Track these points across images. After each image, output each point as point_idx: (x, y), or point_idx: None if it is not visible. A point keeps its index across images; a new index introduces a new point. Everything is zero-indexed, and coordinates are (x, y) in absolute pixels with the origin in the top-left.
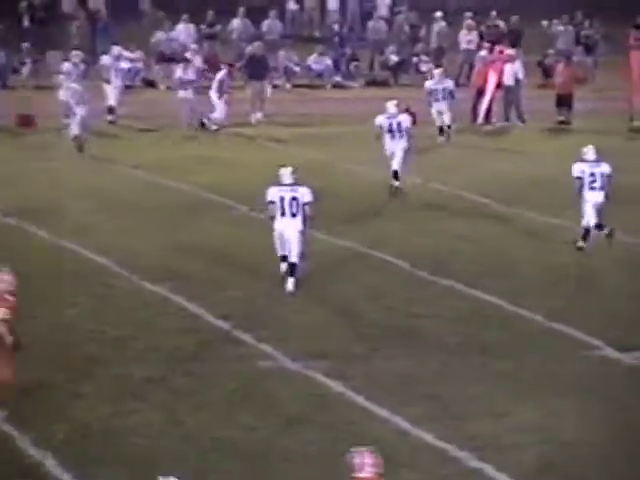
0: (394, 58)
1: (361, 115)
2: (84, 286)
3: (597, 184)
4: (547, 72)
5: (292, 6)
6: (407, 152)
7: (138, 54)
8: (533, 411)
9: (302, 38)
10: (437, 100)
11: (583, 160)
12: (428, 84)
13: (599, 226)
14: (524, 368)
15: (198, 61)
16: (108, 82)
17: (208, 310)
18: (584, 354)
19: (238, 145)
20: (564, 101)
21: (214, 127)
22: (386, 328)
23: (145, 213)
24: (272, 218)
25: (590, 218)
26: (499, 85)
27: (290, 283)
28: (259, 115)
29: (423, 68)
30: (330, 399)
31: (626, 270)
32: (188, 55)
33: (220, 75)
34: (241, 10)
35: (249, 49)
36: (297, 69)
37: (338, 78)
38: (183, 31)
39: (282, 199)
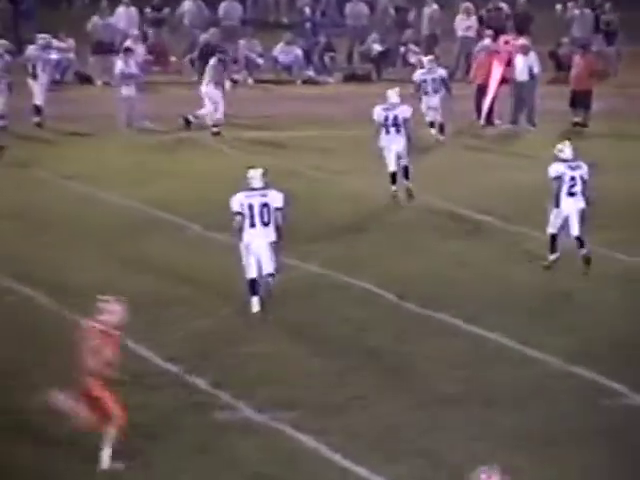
0: (377, 48)
1: (338, 116)
2: (7, 322)
3: (577, 189)
4: (561, 64)
5: None
6: (408, 149)
7: (69, 43)
8: (546, 471)
9: (266, 24)
10: (427, 93)
11: (560, 160)
12: (417, 74)
13: (580, 240)
14: (533, 420)
15: (141, 51)
16: (34, 77)
17: (154, 350)
18: (605, 403)
19: (190, 151)
20: (581, 99)
21: (215, 129)
22: (368, 371)
23: (79, 234)
24: (240, 231)
25: (562, 227)
26: (504, 80)
27: (255, 302)
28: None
29: (412, 59)
30: (301, 456)
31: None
32: (129, 44)
33: (212, 62)
34: None
35: (203, 37)
36: (260, 61)
37: (310, 72)
38: (124, 16)
39: (251, 207)
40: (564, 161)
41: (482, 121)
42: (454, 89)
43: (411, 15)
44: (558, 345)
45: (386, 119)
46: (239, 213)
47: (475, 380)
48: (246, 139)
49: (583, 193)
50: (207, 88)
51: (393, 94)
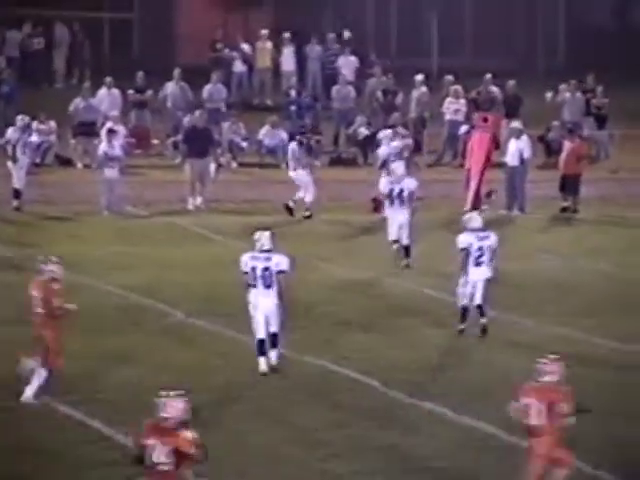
0: (364, 131)
1: (322, 201)
2: None
3: (484, 259)
4: (550, 149)
5: (239, 67)
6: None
7: (50, 125)
8: None
9: (251, 107)
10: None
11: (469, 229)
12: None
13: (480, 308)
14: None
15: (122, 132)
16: (14, 160)
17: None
18: None
19: (172, 238)
20: (570, 184)
21: (307, 213)
22: (353, 464)
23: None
24: (247, 289)
25: (472, 297)
26: (488, 162)
27: (273, 356)
28: (198, 201)
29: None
30: None
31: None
32: (111, 125)
33: (292, 146)
34: (176, 72)
35: (187, 119)
36: (245, 144)
37: None
38: (106, 98)
39: (254, 269)
40: (473, 231)
41: (467, 206)
42: (441, 173)
43: (399, 98)
44: None
45: (391, 192)
46: (246, 273)
47: (463, 470)
48: (230, 224)
49: (489, 264)
50: (294, 173)
51: (399, 167)
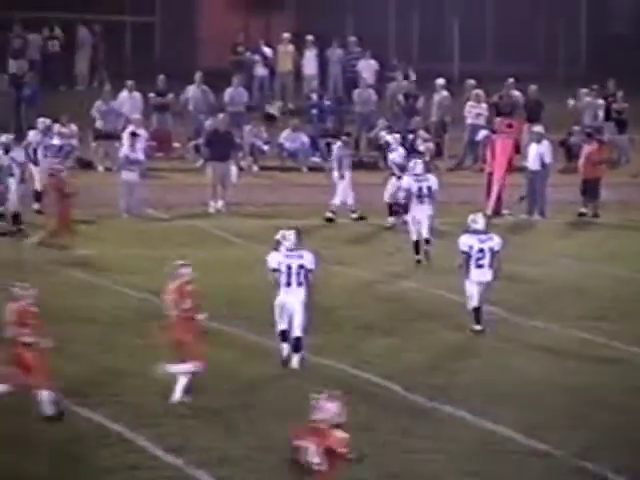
0: (385, 135)
1: (342, 205)
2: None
3: (485, 261)
4: (571, 153)
5: (260, 71)
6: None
7: (72, 129)
8: None
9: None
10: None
11: (472, 231)
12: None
13: (477, 312)
14: None
15: (144, 135)
16: (35, 163)
17: (155, 442)
18: None
19: (193, 240)
20: (590, 188)
21: (354, 215)
22: (373, 468)
23: (78, 324)
24: (277, 288)
25: (476, 299)
26: (510, 167)
27: (295, 360)
28: (220, 204)
29: (421, 147)
30: None
31: None
32: (133, 128)
33: (336, 150)
34: (198, 75)
35: (209, 123)
36: (266, 148)
37: (316, 159)
38: (127, 101)
39: (289, 267)
40: (475, 232)
41: (489, 211)
42: (462, 177)
43: (420, 102)
44: (571, 440)
45: (420, 189)
46: (276, 270)
47: (482, 474)
48: (251, 227)
49: (491, 265)
50: (337, 175)
51: (419, 164)
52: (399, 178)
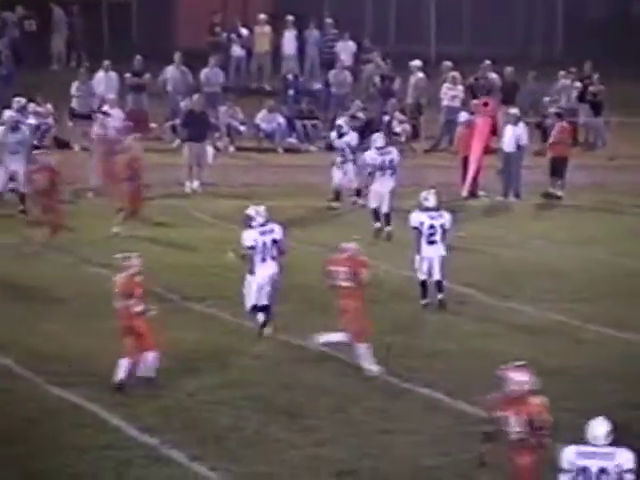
0: (360, 116)
1: (320, 186)
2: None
3: (436, 237)
4: (547, 135)
5: (237, 52)
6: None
7: (47, 108)
8: None
9: (249, 91)
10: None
11: (423, 208)
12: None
13: (440, 283)
14: None
15: (118, 115)
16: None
17: (130, 421)
18: None
19: (169, 221)
20: (557, 167)
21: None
22: (347, 448)
23: (57, 303)
24: (250, 268)
25: (430, 273)
26: (487, 150)
27: (261, 316)
28: (195, 184)
29: (397, 129)
30: None
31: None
32: (106, 108)
33: (351, 136)
34: (177, 55)
35: (183, 103)
36: (242, 128)
37: (292, 140)
38: (103, 81)
39: (265, 244)
40: (427, 210)
41: (464, 193)
42: (438, 159)
43: (396, 84)
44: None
45: (383, 162)
46: (252, 247)
47: (456, 454)
48: (227, 207)
49: (442, 241)
50: (343, 169)
51: (380, 137)
52: (353, 162)
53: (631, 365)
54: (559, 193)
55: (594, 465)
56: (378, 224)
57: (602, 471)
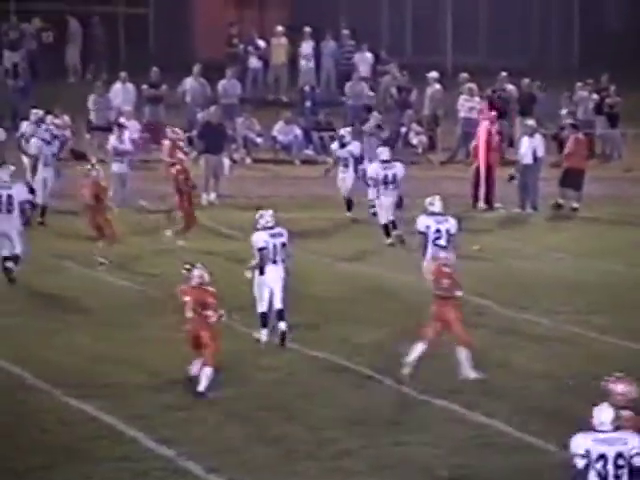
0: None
1: (335, 198)
2: None
3: (442, 241)
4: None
5: (254, 63)
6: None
7: (65, 120)
8: None
9: (266, 102)
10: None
11: (429, 213)
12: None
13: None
14: None
15: (135, 127)
16: (26, 153)
17: (147, 433)
18: None
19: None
20: (571, 179)
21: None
22: (365, 460)
23: (75, 315)
24: (260, 268)
25: None
26: (497, 153)
27: (283, 325)
28: (212, 196)
29: (414, 140)
30: None
31: None
32: (122, 120)
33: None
34: (196, 68)
35: (200, 115)
36: (259, 140)
37: (309, 152)
38: (120, 92)
39: (275, 246)
40: (432, 214)
41: (480, 204)
42: (454, 171)
43: (413, 95)
44: (561, 433)
45: (385, 177)
46: (263, 249)
47: (473, 467)
48: (244, 219)
49: (448, 246)
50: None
51: (385, 151)
52: (354, 171)
53: None
54: (575, 205)
55: (611, 450)
56: (390, 240)
57: (619, 455)
